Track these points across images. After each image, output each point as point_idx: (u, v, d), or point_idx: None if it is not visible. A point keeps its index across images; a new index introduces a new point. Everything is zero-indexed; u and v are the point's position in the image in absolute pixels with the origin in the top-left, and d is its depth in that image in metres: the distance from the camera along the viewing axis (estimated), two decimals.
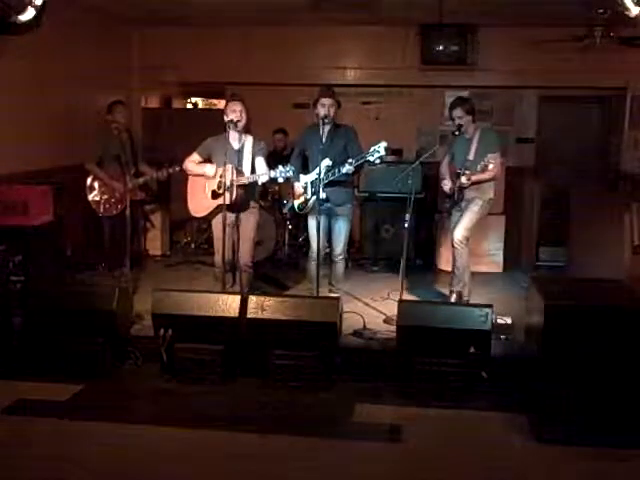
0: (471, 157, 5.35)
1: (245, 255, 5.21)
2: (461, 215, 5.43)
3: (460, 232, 5.37)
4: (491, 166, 5.14)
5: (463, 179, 5.26)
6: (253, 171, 5.12)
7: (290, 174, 4.91)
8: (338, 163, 5.09)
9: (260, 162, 5.16)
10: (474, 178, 5.24)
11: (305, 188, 5.31)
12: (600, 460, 3.45)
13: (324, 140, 5.23)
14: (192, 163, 5.23)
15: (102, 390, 4.27)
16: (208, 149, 5.21)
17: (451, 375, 4.14)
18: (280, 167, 4.88)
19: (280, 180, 5.03)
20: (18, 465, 3.35)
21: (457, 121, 5.35)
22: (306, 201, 5.31)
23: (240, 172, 5.04)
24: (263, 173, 5.00)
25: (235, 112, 5.03)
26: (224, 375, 4.36)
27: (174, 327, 4.38)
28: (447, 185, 5.49)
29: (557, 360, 3.67)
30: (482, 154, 5.21)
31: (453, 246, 5.43)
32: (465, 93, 7.99)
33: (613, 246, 5.85)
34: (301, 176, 5.35)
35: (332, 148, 5.20)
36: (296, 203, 5.43)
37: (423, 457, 3.52)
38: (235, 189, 4.93)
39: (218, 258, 5.16)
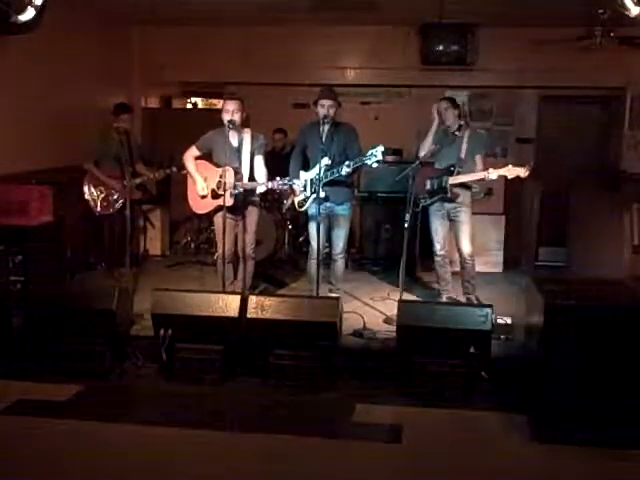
0: (462, 156, 5.41)
1: (248, 246, 5.33)
2: (455, 227, 5.48)
3: (469, 247, 5.44)
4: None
5: (451, 179, 5.33)
6: (252, 169, 5.16)
7: (287, 187, 5.05)
8: (337, 162, 5.11)
9: (259, 162, 5.20)
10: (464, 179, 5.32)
11: (305, 185, 5.33)
12: (600, 460, 3.45)
13: (324, 139, 5.25)
14: (191, 161, 5.29)
15: (102, 390, 4.27)
16: (208, 144, 5.25)
17: (451, 375, 4.13)
18: (278, 178, 4.94)
19: (277, 191, 5.32)
20: (18, 465, 3.35)
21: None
22: (306, 198, 5.34)
23: (239, 173, 5.07)
24: (261, 183, 5.09)
25: (228, 112, 5.06)
26: (224, 375, 4.36)
27: (174, 327, 4.38)
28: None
29: (557, 360, 3.66)
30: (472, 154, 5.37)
31: (465, 261, 5.49)
32: (465, 93, 8.04)
33: (613, 246, 5.85)
34: (301, 173, 5.38)
35: (332, 147, 5.22)
36: (296, 200, 5.45)
37: (423, 457, 3.52)
38: (234, 192, 5.01)
39: (220, 251, 5.25)
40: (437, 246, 5.58)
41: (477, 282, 5.64)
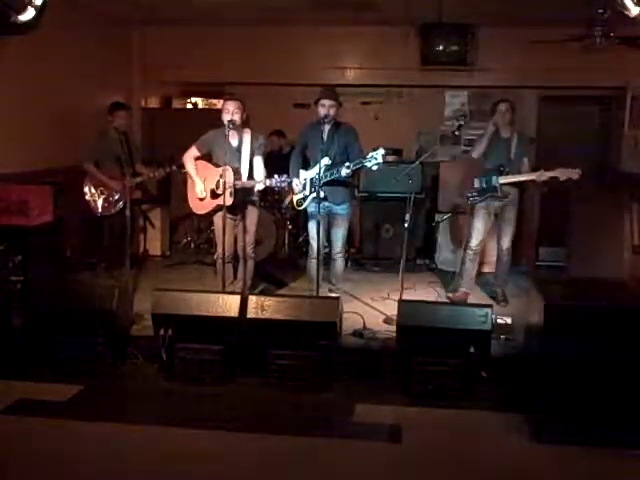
0: (512, 157, 5.52)
1: (248, 246, 5.36)
2: (501, 223, 5.63)
3: (508, 242, 5.61)
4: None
5: (501, 179, 5.45)
6: (251, 169, 5.17)
7: (285, 184, 5.03)
8: (337, 163, 5.12)
9: (258, 162, 5.21)
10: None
11: (304, 184, 5.34)
12: (600, 460, 3.45)
13: (325, 139, 5.26)
14: (190, 162, 5.28)
15: (102, 390, 4.27)
16: (208, 145, 5.25)
17: (451, 375, 4.14)
18: (276, 176, 4.94)
19: (276, 189, 5.37)
20: (18, 465, 3.35)
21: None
22: (304, 197, 5.35)
23: (238, 172, 5.08)
24: (259, 181, 5.10)
25: (228, 112, 5.06)
26: (224, 375, 4.36)
27: (174, 327, 4.38)
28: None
29: (557, 360, 3.66)
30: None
31: (502, 253, 5.67)
32: (465, 93, 8.05)
33: (613, 246, 5.85)
34: (301, 171, 5.39)
35: (332, 147, 5.22)
36: (295, 198, 5.47)
37: (423, 457, 3.52)
38: (234, 192, 5.00)
39: (220, 251, 5.26)
40: (474, 241, 5.65)
41: (487, 280, 5.73)
